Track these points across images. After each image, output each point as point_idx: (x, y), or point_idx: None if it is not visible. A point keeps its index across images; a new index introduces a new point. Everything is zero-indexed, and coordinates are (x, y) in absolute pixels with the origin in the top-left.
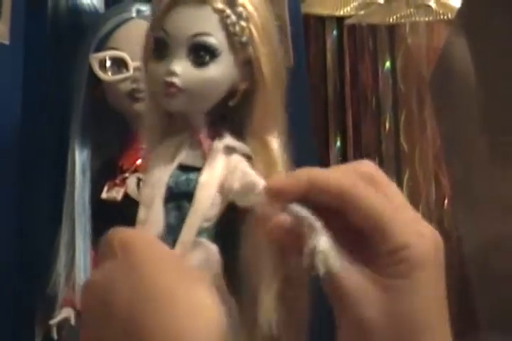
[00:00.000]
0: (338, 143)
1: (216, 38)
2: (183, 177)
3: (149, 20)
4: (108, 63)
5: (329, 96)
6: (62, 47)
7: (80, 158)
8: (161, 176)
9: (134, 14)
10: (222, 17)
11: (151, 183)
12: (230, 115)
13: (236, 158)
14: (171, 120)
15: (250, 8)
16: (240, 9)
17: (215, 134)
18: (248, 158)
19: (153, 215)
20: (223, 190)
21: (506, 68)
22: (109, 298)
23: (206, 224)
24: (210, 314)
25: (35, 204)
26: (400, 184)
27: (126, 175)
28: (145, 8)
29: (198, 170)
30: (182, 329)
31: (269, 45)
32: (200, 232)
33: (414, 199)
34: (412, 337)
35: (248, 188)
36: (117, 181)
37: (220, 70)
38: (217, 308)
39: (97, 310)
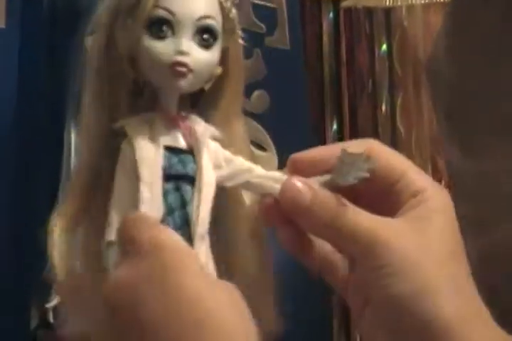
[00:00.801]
0: (335, 126)
1: (217, 22)
2: (175, 158)
3: None
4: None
5: (325, 79)
6: (58, 30)
7: (76, 140)
8: (155, 156)
9: None
10: (221, 1)
11: (148, 163)
12: (198, 98)
13: (212, 143)
14: (132, 97)
15: None
16: None
17: (185, 116)
18: (217, 141)
19: (154, 196)
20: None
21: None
22: (141, 303)
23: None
24: (244, 329)
25: (31, 188)
26: None
27: None
28: None
29: (183, 152)
30: None
31: (239, 31)
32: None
33: None
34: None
35: (236, 169)
36: None
37: (217, 53)
38: (248, 323)
39: (124, 314)
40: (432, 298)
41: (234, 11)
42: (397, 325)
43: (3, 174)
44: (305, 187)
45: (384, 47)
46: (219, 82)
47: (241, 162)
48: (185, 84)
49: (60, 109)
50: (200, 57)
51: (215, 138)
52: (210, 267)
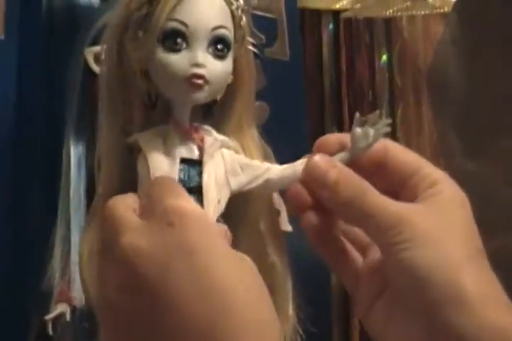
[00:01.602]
0: None
1: (230, 31)
2: (194, 171)
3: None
4: (103, 57)
5: (325, 89)
6: (57, 41)
7: (75, 152)
8: (170, 170)
9: None
10: (232, 10)
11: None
12: (210, 108)
13: (227, 152)
14: (145, 110)
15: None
16: (241, 2)
17: (198, 127)
18: (234, 151)
19: None
20: (229, 184)
21: (503, 62)
22: (161, 277)
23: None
24: (267, 305)
25: (30, 200)
26: None
27: None
28: None
29: (200, 163)
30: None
31: (248, 38)
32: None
33: None
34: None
35: (254, 173)
36: None
37: (231, 63)
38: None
39: (148, 285)
40: (455, 271)
41: (244, 18)
42: (417, 302)
43: (1, 188)
44: (329, 165)
45: (384, 57)
46: (231, 91)
47: (258, 164)
48: (202, 96)
49: (59, 120)
50: (215, 69)
51: (228, 147)
52: None
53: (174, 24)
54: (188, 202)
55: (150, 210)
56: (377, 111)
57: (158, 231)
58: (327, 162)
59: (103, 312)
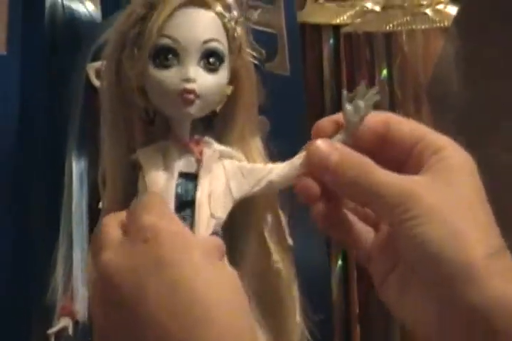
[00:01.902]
0: None
1: (222, 44)
2: (191, 184)
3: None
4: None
5: (326, 104)
6: (59, 56)
7: (77, 168)
8: (168, 185)
9: None
10: (224, 22)
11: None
12: (211, 120)
13: (228, 162)
14: (145, 126)
15: (236, 12)
16: (235, 13)
17: (199, 139)
18: (237, 160)
19: None
20: (231, 193)
21: (503, 73)
22: (139, 292)
23: (216, 230)
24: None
25: (32, 215)
26: None
27: None
28: None
29: (196, 176)
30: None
31: (246, 48)
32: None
33: None
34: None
35: (258, 175)
36: None
37: (225, 75)
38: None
39: (127, 301)
40: (464, 242)
41: (239, 29)
42: (429, 275)
43: (3, 202)
44: (330, 148)
45: (384, 72)
46: (231, 102)
47: (260, 167)
48: (194, 110)
49: (61, 135)
50: (206, 82)
51: (231, 157)
52: None
53: (165, 40)
54: (163, 218)
55: (130, 227)
56: (363, 83)
57: (135, 247)
58: (327, 145)
59: (94, 326)
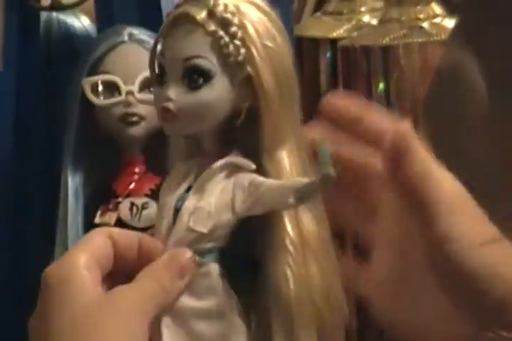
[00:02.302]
0: None
1: (209, 61)
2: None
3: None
4: (100, 87)
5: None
6: (55, 71)
7: (73, 182)
8: (168, 200)
9: (126, 38)
10: (215, 38)
11: (160, 208)
12: (241, 135)
13: (242, 176)
14: (188, 144)
15: (249, 27)
16: (234, 29)
17: (220, 153)
18: (257, 173)
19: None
20: (233, 209)
21: (506, 83)
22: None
23: (210, 245)
24: None
25: (28, 230)
26: None
27: (120, 199)
28: (137, 32)
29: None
30: None
31: (273, 61)
32: (204, 253)
33: None
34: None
35: (277, 191)
36: (110, 206)
37: (215, 92)
38: None
39: None
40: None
41: (237, 42)
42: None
43: (1, 216)
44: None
45: (381, 85)
46: (252, 115)
47: (271, 182)
48: (174, 128)
49: (58, 150)
50: (184, 101)
51: (251, 171)
52: None
53: (160, 59)
54: (61, 265)
55: None
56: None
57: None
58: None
59: None
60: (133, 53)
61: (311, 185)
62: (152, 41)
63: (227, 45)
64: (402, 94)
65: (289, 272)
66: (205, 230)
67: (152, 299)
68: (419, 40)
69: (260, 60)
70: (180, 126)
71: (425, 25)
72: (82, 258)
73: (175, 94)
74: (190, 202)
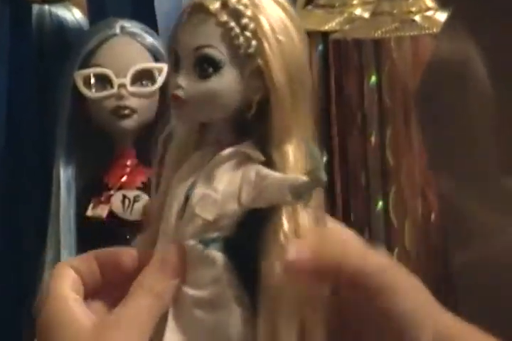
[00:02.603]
0: (324, 158)
1: (219, 51)
2: None
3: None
4: (92, 80)
5: (314, 111)
6: (47, 64)
7: (65, 175)
8: (179, 190)
9: (118, 31)
10: (226, 29)
11: (170, 198)
12: (254, 127)
13: (252, 166)
14: (199, 135)
15: (263, 20)
16: (245, 21)
17: (231, 143)
18: (267, 165)
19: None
20: (240, 199)
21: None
22: None
23: (215, 234)
24: None
25: (19, 223)
26: (386, 199)
27: (111, 192)
28: (129, 25)
29: None
30: None
31: (285, 56)
32: (208, 243)
33: (400, 215)
34: None
35: (276, 185)
36: (102, 198)
37: (224, 82)
38: None
39: None
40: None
41: (248, 34)
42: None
43: None
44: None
45: (373, 79)
46: (265, 108)
47: (276, 175)
48: (182, 115)
49: (50, 144)
50: (194, 89)
51: (260, 162)
52: None
53: (175, 45)
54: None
55: None
56: None
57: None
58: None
59: None
60: (125, 46)
61: (308, 184)
62: (144, 34)
63: (237, 37)
64: (393, 87)
65: (277, 265)
66: (210, 217)
67: (150, 312)
68: (411, 33)
69: (271, 54)
70: (189, 113)
71: (417, 18)
72: (66, 291)
73: (185, 82)
74: (199, 189)
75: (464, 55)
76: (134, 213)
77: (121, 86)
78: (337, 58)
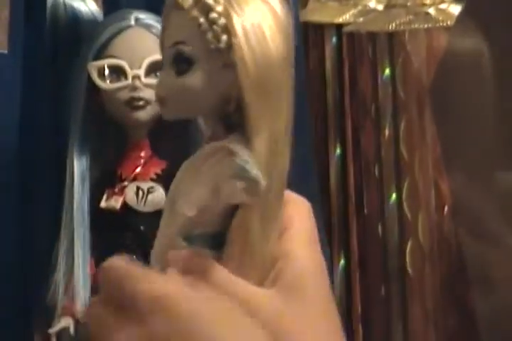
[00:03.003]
0: (338, 151)
1: (192, 47)
2: None
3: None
4: (106, 71)
5: (329, 104)
6: (61, 55)
7: (79, 167)
8: (170, 189)
9: (132, 22)
10: (197, 25)
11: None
12: (239, 121)
13: (228, 162)
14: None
15: (234, 15)
16: (214, 15)
17: (217, 138)
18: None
19: None
20: (217, 193)
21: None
22: None
23: (198, 231)
24: None
25: (34, 214)
26: (399, 191)
27: (125, 183)
28: (144, 16)
29: None
30: None
31: (255, 51)
32: (192, 240)
33: (413, 207)
34: None
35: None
36: (116, 190)
37: (198, 78)
38: None
39: None
40: None
41: (217, 29)
42: None
43: (6, 201)
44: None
45: (387, 71)
46: (240, 103)
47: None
48: (166, 112)
49: (64, 134)
50: (171, 86)
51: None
52: None
53: (160, 43)
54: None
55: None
56: None
57: (155, 325)
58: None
59: None
60: (139, 38)
61: (238, 184)
62: (159, 26)
63: (206, 32)
64: (407, 80)
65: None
66: (191, 214)
67: None
68: (425, 25)
69: (241, 49)
70: (170, 110)
71: (431, 11)
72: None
73: (164, 79)
74: (182, 185)
75: (478, 49)
76: (148, 204)
77: (136, 77)
78: (351, 51)
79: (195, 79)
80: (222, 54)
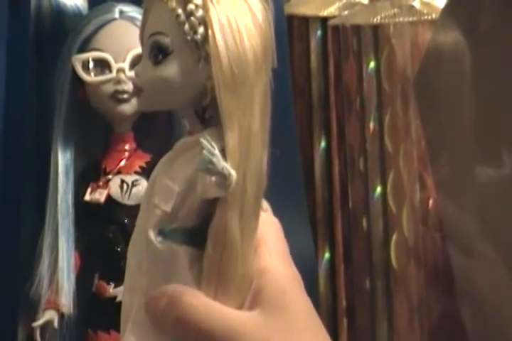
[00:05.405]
0: (323, 144)
1: (169, 37)
2: None
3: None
4: (91, 64)
5: (313, 97)
6: (45, 49)
7: (63, 160)
8: (149, 183)
9: (117, 15)
10: (175, 16)
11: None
12: (214, 114)
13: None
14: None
15: (211, 7)
16: (191, 7)
17: (193, 132)
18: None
19: None
20: (193, 188)
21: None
22: None
23: (174, 225)
24: None
25: (17, 207)
26: (384, 184)
27: (110, 176)
28: (128, 9)
29: None
30: None
31: (229, 44)
32: (167, 234)
33: (398, 200)
34: None
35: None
36: (100, 183)
37: (173, 69)
38: None
39: None
40: None
41: (194, 20)
42: None
43: None
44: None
45: (372, 64)
46: (215, 95)
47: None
48: (142, 103)
49: (48, 128)
50: (148, 76)
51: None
52: None
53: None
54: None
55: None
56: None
57: None
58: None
59: None
60: (124, 30)
61: (204, 177)
62: None
63: (183, 23)
64: (392, 73)
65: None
66: (167, 208)
67: None
68: (410, 19)
69: (217, 42)
70: (146, 101)
71: (416, 4)
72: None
73: (141, 69)
74: (159, 179)
75: (462, 43)
76: (132, 198)
77: (120, 70)
78: (336, 44)
79: (171, 69)
80: (199, 46)
